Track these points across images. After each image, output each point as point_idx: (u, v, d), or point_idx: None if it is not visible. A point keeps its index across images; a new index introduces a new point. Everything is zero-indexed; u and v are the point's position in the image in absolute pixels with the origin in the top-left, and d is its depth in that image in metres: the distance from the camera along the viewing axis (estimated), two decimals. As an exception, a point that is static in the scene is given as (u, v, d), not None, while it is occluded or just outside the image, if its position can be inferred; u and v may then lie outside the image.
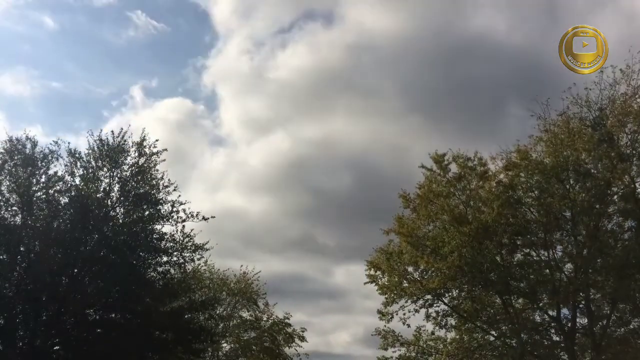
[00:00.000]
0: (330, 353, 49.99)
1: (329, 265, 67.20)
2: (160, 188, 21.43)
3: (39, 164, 20.57)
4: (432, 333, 26.01)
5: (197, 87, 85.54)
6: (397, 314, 25.66)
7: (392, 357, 26.07)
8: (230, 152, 79.23)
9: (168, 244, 21.26)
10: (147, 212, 21.18)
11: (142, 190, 21.18)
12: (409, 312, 25.38)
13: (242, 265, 33.33)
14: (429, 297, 25.29)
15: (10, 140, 20.61)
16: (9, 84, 67.76)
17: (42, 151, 20.78)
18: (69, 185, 20.83)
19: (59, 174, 20.77)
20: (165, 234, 21.37)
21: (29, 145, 20.67)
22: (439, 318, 25.56)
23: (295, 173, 70.33)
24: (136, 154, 21.45)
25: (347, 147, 70.11)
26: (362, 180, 63.67)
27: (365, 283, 26.57)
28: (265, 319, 32.55)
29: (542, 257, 24.44)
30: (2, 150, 20.42)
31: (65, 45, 77.49)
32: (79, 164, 21.03)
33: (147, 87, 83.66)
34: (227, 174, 74.47)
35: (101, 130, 21.35)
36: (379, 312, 26.09)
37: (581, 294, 23.21)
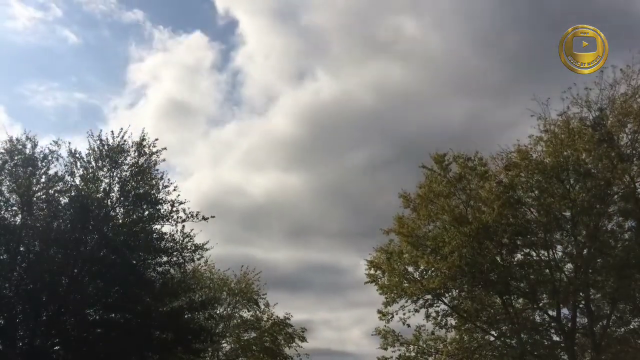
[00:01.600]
0: (341, 351, 46.66)
1: (362, 254, 61.26)
2: (160, 188, 21.49)
3: (39, 164, 20.60)
4: (432, 333, 26.00)
5: (215, 21, 77.62)
6: (397, 314, 25.68)
7: (392, 357, 26.07)
8: (248, 112, 68.36)
9: (168, 244, 21.28)
10: (146, 212, 21.21)
11: (141, 190, 21.20)
12: (409, 312, 25.41)
13: (242, 266, 33.41)
14: (429, 297, 25.29)
15: (11, 140, 20.67)
16: (30, 96, 68.71)
17: (42, 151, 20.86)
18: (69, 185, 20.87)
19: (59, 174, 20.83)
20: (165, 233, 21.43)
21: (29, 146, 20.74)
22: (439, 318, 25.55)
23: (328, 140, 56.62)
24: (136, 154, 21.49)
25: (401, 99, 55.36)
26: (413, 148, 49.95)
27: (365, 283, 26.62)
28: (265, 319, 32.57)
29: (542, 257, 24.41)
30: (3, 150, 20.47)
31: (87, 59, 78.65)
32: (79, 164, 21.08)
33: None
34: (237, 143, 62.56)
35: (101, 131, 21.45)
36: (379, 312, 26.09)
37: (581, 293, 23.17)
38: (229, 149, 62.86)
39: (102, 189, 20.90)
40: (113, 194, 21.03)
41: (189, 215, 21.30)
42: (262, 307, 32.75)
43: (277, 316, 32.67)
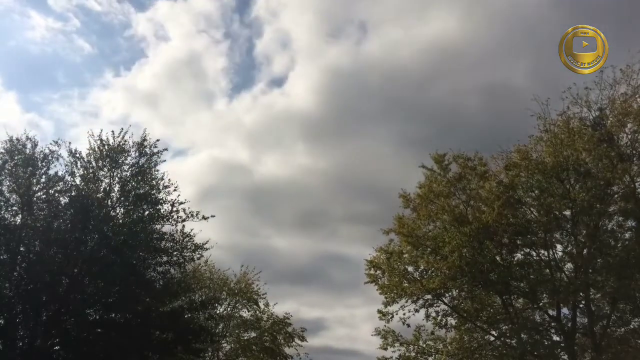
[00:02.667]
0: (349, 350, 44.03)
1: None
2: (161, 188, 21.48)
3: (40, 164, 20.61)
4: (432, 333, 26.00)
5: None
6: (397, 314, 25.68)
7: (392, 357, 26.07)
8: (264, 78, 58.73)
9: (168, 244, 21.28)
10: (147, 212, 21.20)
11: (142, 190, 21.20)
12: (409, 312, 25.40)
13: (242, 265, 33.43)
14: (429, 297, 25.29)
15: (11, 140, 20.67)
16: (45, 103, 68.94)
17: (42, 151, 20.87)
18: (69, 185, 20.90)
19: (59, 174, 20.88)
20: (165, 233, 21.42)
21: (29, 146, 20.77)
22: (439, 318, 25.56)
23: (354, 114, 44.12)
24: (136, 154, 21.51)
25: (457, 61, 43.55)
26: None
27: (365, 283, 26.60)
28: (265, 318, 32.59)
29: (542, 257, 24.40)
30: (3, 150, 20.49)
31: (102, 68, 79.22)
32: (79, 164, 21.11)
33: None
34: (247, 115, 52.81)
35: (101, 130, 21.45)
36: (379, 312, 26.08)
37: (581, 293, 23.14)
38: (237, 122, 54.23)
39: (102, 189, 20.93)
40: (113, 194, 21.06)
41: (189, 215, 21.33)
42: (262, 306, 32.79)
43: (276, 316, 32.74)
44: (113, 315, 21.41)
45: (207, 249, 22.36)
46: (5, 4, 63.58)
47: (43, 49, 72.05)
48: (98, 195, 20.71)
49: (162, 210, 21.32)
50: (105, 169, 21.13)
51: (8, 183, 20.16)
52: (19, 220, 20.03)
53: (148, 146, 21.51)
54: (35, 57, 71.33)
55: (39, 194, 20.35)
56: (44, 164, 20.65)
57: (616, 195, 23.52)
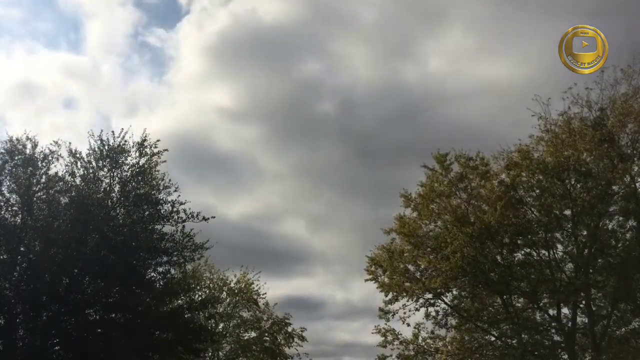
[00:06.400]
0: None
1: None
2: (161, 188, 21.43)
3: (40, 164, 20.53)
4: (432, 332, 26.03)
5: None
6: (397, 313, 25.69)
7: (391, 356, 26.08)
8: None
9: (168, 244, 21.23)
10: (147, 213, 21.15)
11: (142, 191, 21.16)
12: (410, 311, 25.42)
13: (242, 266, 33.42)
14: (429, 296, 25.30)
15: (11, 140, 20.61)
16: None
17: (42, 151, 20.78)
18: (70, 185, 20.79)
19: (60, 174, 20.78)
20: (166, 234, 21.35)
21: (29, 146, 20.68)
22: (440, 317, 25.57)
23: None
24: (137, 154, 21.46)
25: None
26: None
27: (365, 280, 26.59)
28: (265, 318, 32.61)
29: (543, 257, 24.42)
30: (3, 151, 20.44)
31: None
32: (79, 164, 21.03)
33: None
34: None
35: (102, 131, 21.42)
36: (380, 310, 26.10)
37: (582, 293, 23.16)
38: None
39: (102, 189, 20.87)
40: (113, 194, 21.00)
41: (189, 216, 21.28)
42: (262, 306, 32.82)
43: (276, 316, 32.78)
44: (113, 315, 21.35)
45: (207, 249, 22.34)
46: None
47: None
48: (98, 196, 20.64)
49: (162, 211, 21.27)
50: (106, 169, 21.06)
51: (8, 183, 20.11)
52: (19, 220, 19.95)
53: (148, 146, 21.46)
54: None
55: (39, 194, 20.27)
56: (44, 164, 20.58)
57: (617, 196, 23.55)
